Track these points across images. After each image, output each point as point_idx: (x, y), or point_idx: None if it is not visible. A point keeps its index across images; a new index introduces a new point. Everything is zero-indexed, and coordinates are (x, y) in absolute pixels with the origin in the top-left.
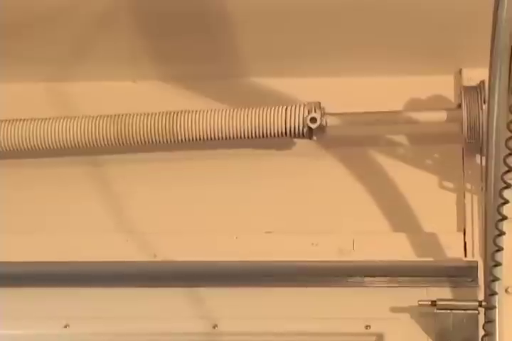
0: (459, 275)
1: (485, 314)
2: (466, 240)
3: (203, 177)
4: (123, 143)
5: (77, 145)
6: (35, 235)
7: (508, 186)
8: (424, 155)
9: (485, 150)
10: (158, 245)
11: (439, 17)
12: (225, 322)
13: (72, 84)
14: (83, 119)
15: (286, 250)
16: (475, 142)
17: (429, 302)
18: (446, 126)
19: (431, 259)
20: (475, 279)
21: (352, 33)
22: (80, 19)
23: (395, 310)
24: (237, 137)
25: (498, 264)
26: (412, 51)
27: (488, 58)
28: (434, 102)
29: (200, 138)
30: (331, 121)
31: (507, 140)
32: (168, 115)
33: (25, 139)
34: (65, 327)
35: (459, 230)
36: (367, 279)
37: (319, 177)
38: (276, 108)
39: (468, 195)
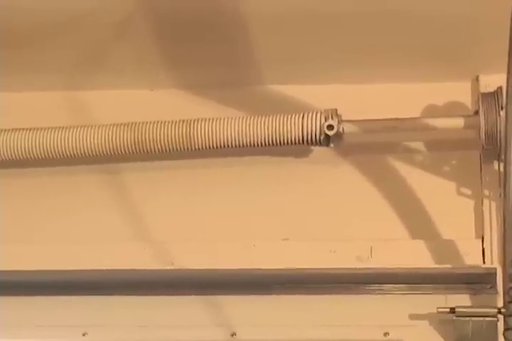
0: (478, 282)
1: (504, 321)
2: (485, 247)
3: (219, 185)
4: (140, 151)
5: (94, 153)
6: (54, 244)
7: None
8: (441, 161)
9: (503, 156)
10: (176, 253)
11: (456, 23)
12: (243, 330)
13: (89, 93)
14: (100, 128)
15: (304, 257)
16: (492, 148)
17: (448, 310)
18: (463, 133)
19: (449, 266)
20: (494, 286)
21: (369, 39)
22: (97, 28)
23: (413, 317)
24: (253, 145)
25: None
26: (429, 57)
27: (505, 64)
28: (451, 109)
29: (217, 146)
30: (347, 128)
31: None
32: (184, 123)
33: (42, 148)
34: (84, 335)
35: (477, 237)
36: (385, 286)
37: (336, 184)
38: (293, 115)
39: (486, 202)
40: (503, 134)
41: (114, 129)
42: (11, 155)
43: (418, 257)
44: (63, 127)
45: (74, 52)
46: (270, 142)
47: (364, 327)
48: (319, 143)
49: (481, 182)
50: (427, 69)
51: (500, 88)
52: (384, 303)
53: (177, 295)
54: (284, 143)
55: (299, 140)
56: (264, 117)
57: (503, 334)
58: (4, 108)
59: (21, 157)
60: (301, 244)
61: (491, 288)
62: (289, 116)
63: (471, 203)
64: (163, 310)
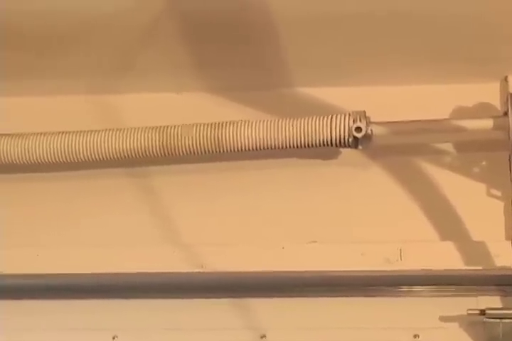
0: (508, 283)
1: None
2: None
3: (248, 187)
4: (168, 154)
5: (122, 157)
6: (85, 248)
7: None
8: (470, 163)
9: None
10: (205, 256)
11: (485, 24)
12: (273, 333)
13: (116, 97)
14: (128, 131)
15: (332, 260)
16: None
17: (478, 311)
18: (492, 134)
19: (479, 268)
20: None
21: (397, 41)
22: (123, 31)
23: (443, 319)
24: (282, 147)
25: None
26: (457, 59)
27: None
28: (480, 110)
29: (245, 149)
30: (376, 130)
31: None
32: (213, 126)
33: (70, 152)
34: (114, 338)
35: (507, 238)
36: (415, 289)
37: (365, 187)
38: (322, 118)
39: None
40: None
41: (143, 133)
42: (41, 159)
43: (448, 259)
44: (91, 131)
45: (101, 56)
46: (299, 144)
47: (394, 330)
48: (348, 145)
49: (511, 183)
50: (455, 70)
51: None
52: (414, 305)
53: (207, 298)
54: (312, 146)
55: (327, 142)
56: (292, 120)
57: None
58: (32, 112)
59: (50, 160)
60: (330, 246)
61: None
62: (318, 119)
63: (500, 204)
64: (193, 312)
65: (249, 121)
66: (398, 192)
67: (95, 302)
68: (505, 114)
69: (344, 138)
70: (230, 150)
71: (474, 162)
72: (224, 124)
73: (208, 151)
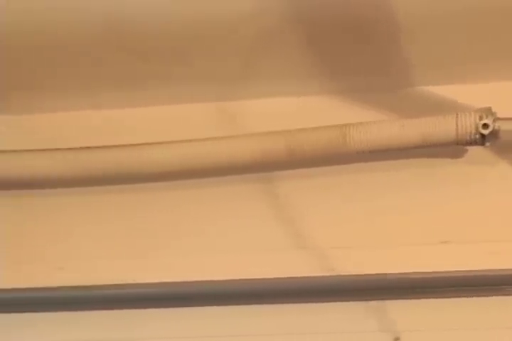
0: None
1: None
2: None
3: (376, 189)
4: (294, 158)
5: (247, 163)
6: (220, 254)
7: None
8: None
9: None
10: (336, 259)
11: None
12: (407, 335)
13: (239, 103)
14: (252, 137)
15: (465, 260)
16: None
17: None
18: None
19: None
20: None
21: None
22: (246, 36)
23: None
24: (408, 147)
25: None
26: None
27: None
28: None
29: (371, 150)
30: (504, 126)
31: None
32: (337, 128)
33: (196, 159)
34: None
35: None
36: None
37: (494, 184)
38: (446, 116)
39: None
40: None
41: (267, 138)
42: (170, 167)
43: None
44: (215, 138)
45: (224, 62)
46: (425, 143)
47: None
48: (474, 142)
49: None
50: None
51: None
52: None
53: (339, 301)
54: (438, 144)
55: (453, 140)
56: (417, 119)
57: None
58: (159, 121)
59: (176, 169)
60: (462, 246)
61: None
62: (443, 117)
63: None
64: (326, 316)
65: (374, 122)
66: None
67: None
68: None
69: (471, 136)
70: (356, 152)
71: None
72: (348, 126)
73: (333, 154)
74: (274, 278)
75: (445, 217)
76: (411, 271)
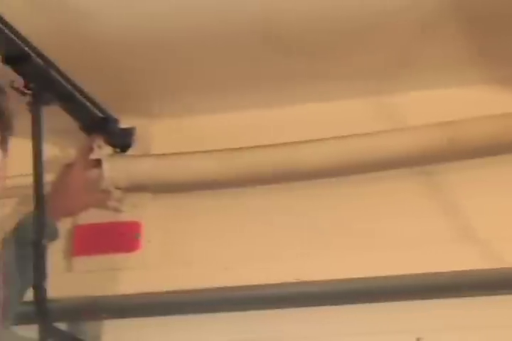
0: None
1: None
2: None
3: None
4: (456, 149)
5: (407, 157)
6: (387, 250)
7: None
8: None
9: None
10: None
11: None
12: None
13: (396, 96)
14: (411, 130)
15: None
16: None
17: None
18: None
19: None
20: None
21: None
22: (403, 27)
23: None
24: None
25: None
26: None
27: None
28: None
29: None
30: None
31: None
32: (501, 117)
33: (355, 155)
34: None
35: None
36: None
37: None
38: None
39: None
40: None
41: (427, 130)
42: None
43: None
44: (372, 133)
45: (381, 55)
46: None
47: None
48: None
49: None
50: None
51: None
52: None
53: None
54: None
55: None
56: None
57: None
58: (313, 118)
59: (331, 165)
60: None
61: None
62: None
63: None
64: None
65: None
66: None
67: (400, 304)
68: None
69: None
70: None
71: None
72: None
73: (497, 144)
74: (439, 273)
75: None
76: None
